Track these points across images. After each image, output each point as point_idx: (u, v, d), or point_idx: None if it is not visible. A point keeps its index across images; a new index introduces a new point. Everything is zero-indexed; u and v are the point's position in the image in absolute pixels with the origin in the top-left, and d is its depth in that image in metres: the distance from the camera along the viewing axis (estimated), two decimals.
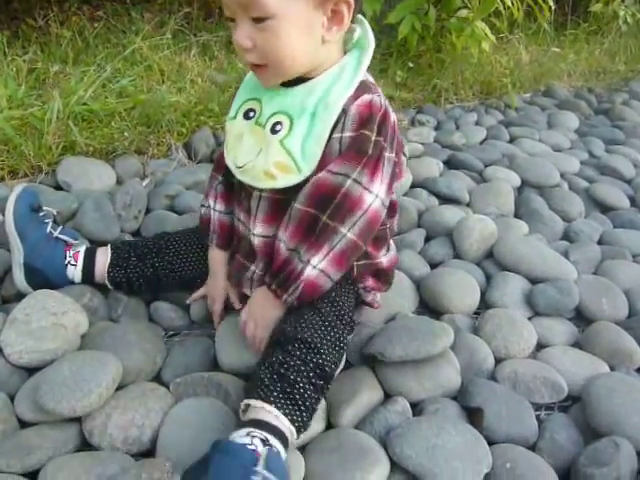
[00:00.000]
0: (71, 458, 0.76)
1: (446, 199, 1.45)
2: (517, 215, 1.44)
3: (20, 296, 1.01)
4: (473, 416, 0.86)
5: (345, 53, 0.85)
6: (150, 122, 1.57)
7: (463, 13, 2.18)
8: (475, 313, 1.11)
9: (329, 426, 0.85)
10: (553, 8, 2.06)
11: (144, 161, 1.47)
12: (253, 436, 0.69)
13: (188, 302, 1.05)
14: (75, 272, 1.03)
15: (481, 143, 1.84)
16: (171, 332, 1.03)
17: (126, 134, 1.49)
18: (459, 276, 1.14)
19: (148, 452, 0.80)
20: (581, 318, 1.11)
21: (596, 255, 1.27)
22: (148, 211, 1.30)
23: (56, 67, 1.85)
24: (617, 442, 0.78)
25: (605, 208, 1.51)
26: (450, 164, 1.66)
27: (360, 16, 0.86)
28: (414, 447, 0.76)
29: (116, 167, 1.44)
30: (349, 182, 0.79)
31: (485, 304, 1.12)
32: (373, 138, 0.79)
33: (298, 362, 0.77)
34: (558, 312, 1.10)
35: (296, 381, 0.75)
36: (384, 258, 0.96)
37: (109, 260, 1.03)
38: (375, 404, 0.88)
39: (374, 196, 0.80)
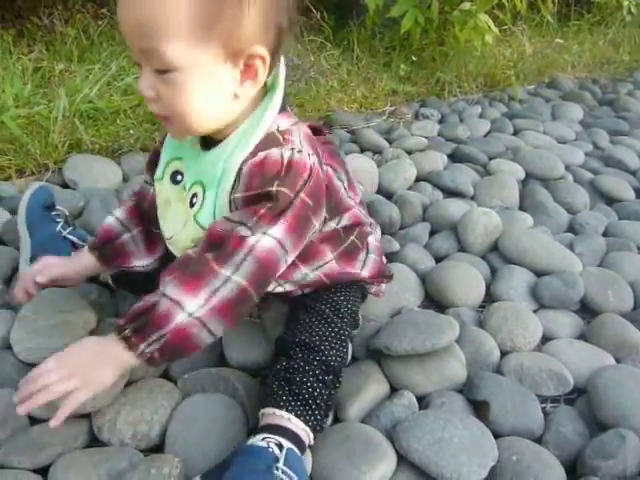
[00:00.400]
0: (80, 454, 0.77)
1: (450, 192, 1.45)
2: (522, 208, 1.43)
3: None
4: (479, 409, 0.86)
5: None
6: (155, 119, 1.58)
7: (466, 6, 2.18)
8: (480, 306, 1.11)
9: (336, 420, 0.85)
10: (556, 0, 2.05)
11: None
12: (269, 441, 0.69)
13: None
14: None
15: (485, 136, 1.83)
16: None
17: (132, 132, 1.50)
18: (464, 269, 1.14)
19: (157, 447, 0.81)
20: (586, 310, 1.11)
21: (601, 247, 1.26)
22: None
23: (61, 65, 1.87)
24: (623, 434, 0.78)
25: (610, 200, 1.50)
26: (454, 157, 1.66)
27: None
28: (420, 441, 0.76)
29: (122, 164, 1.45)
30: (235, 227, 0.70)
31: (490, 297, 1.12)
32: (268, 190, 0.70)
33: (301, 363, 0.78)
34: (563, 304, 1.10)
35: (302, 382, 0.76)
36: (364, 270, 0.91)
37: None
38: (381, 398, 0.89)
39: (260, 234, 0.69)
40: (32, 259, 1.02)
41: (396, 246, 1.22)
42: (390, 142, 1.73)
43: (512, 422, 0.84)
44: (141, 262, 0.93)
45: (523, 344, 0.99)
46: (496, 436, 0.80)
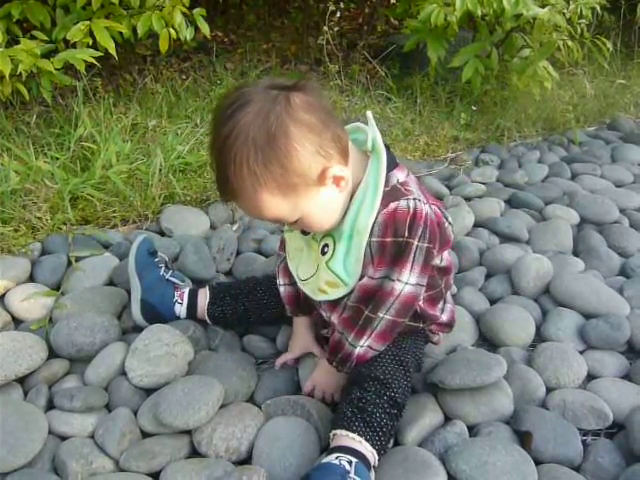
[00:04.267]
0: (185, 462, 0.95)
1: (506, 237, 1.55)
2: (575, 252, 1.52)
3: (136, 328, 1.23)
4: (523, 439, 0.97)
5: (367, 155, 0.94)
6: None
7: (525, 53, 2.29)
8: (530, 346, 1.21)
9: (396, 443, 0.99)
10: (611, 50, 2.12)
11: (233, 207, 1.68)
12: (341, 459, 0.84)
13: (276, 367, 1.16)
14: (181, 309, 1.23)
15: (543, 181, 1.92)
16: (260, 360, 1.20)
17: None
18: (515, 311, 1.25)
19: (245, 460, 0.97)
20: (633, 351, 1.19)
21: None
22: (238, 253, 1.50)
23: (153, 122, 2.13)
24: None
25: None
26: (511, 203, 1.76)
27: (368, 113, 0.96)
28: (468, 463, 0.89)
29: (209, 214, 1.65)
30: (383, 281, 0.92)
31: (540, 337, 1.22)
32: (401, 240, 0.89)
33: (374, 396, 0.93)
34: (609, 345, 1.18)
35: (373, 412, 0.91)
36: (443, 315, 1.10)
37: (208, 299, 1.22)
38: (436, 425, 1.01)
39: (403, 284, 0.92)
40: (142, 300, 1.22)
41: (454, 289, 1.35)
42: (450, 189, 1.86)
43: (552, 451, 0.95)
44: None
45: (568, 382, 1.09)
46: (537, 463, 0.91)
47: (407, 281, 0.92)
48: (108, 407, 1.06)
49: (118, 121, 2.00)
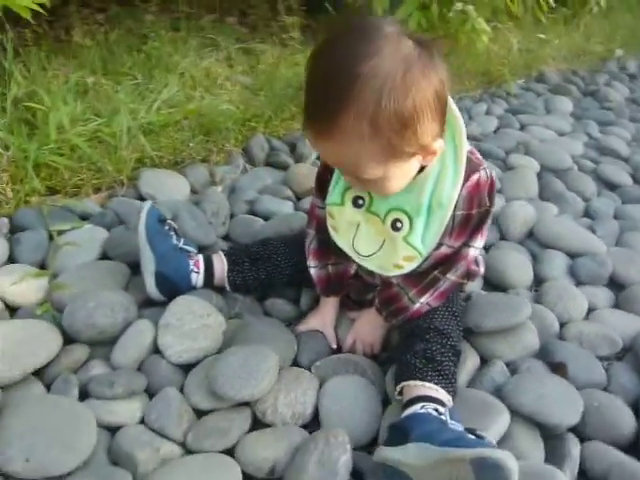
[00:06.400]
0: (258, 434, 0.93)
1: None
2: (542, 198, 1.66)
3: (148, 302, 1.16)
4: (557, 370, 1.08)
5: None
6: (206, 130, 1.70)
7: (459, 7, 2.37)
8: (530, 287, 1.33)
9: None
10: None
11: (210, 169, 1.61)
12: (427, 408, 0.87)
13: (296, 333, 1.14)
14: (198, 278, 1.17)
15: (495, 132, 2.05)
16: (286, 323, 1.20)
17: (191, 144, 1.62)
18: (514, 256, 1.36)
19: (310, 424, 0.98)
20: (614, 284, 1.35)
21: (615, 229, 1.51)
22: (231, 216, 1.45)
23: (92, 78, 1.94)
24: None
25: (612, 186, 1.75)
26: None
27: None
28: (527, 397, 0.97)
29: (188, 176, 1.57)
30: (461, 248, 0.98)
31: (537, 278, 1.34)
32: (483, 210, 0.94)
33: (438, 346, 0.97)
34: (596, 281, 1.33)
35: (442, 361, 0.95)
36: (481, 267, 1.20)
37: (227, 266, 1.18)
38: (476, 368, 1.09)
39: (475, 249, 0.99)
40: (157, 272, 1.14)
41: None
42: None
43: (584, 378, 1.06)
44: (354, 265, 1.13)
45: (576, 315, 1.22)
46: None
47: (479, 246, 0.99)
48: (147, 390, 1.01)
49: (54, 78, 1.80)
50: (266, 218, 1.44)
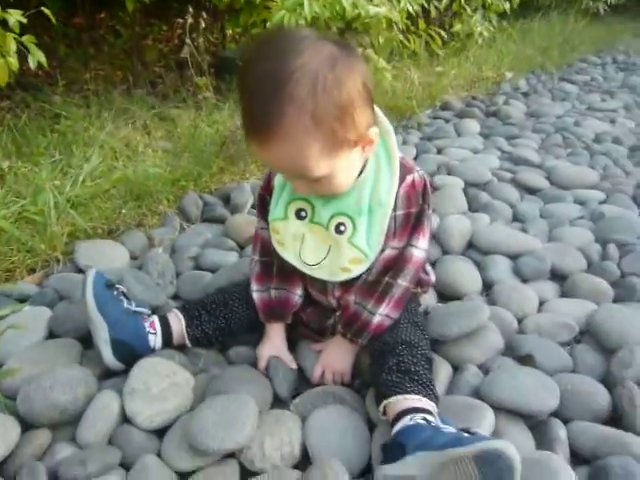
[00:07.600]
0: None
1: None
2: (471, 210, 1.74)
3: (107, 373, 1.11)
4: (526, 361, 1.11)
5: None
6: (136, 196, 1.68)
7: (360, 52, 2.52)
8: (480, 291, 1.38)
9: None
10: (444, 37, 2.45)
11: (147, 233, 1.58)
12: (416, 419, 0.87)
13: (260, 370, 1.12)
14: (156, 339, 1.13)
15: (415, 159, 2.15)
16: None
17: (123, 211, 1.59)
18: (460, 265, 1.41)
19: (302, 463, 0.95)
20: (555, 276, 1.42)
21: (545, 227, 1.61)
22: (177, 275, 1.42)
23: (7, 162, 1.88)
24: (632, 349, 1.07)
25: (532, 190, 1.87)
26: None
27: None
28: (505, 391, 0.99)
29: (125, 243, 1.53)
30: (405, 249, 1.01)
31: (485, 283, 1.39)
32: (420, 209, 0.99)
33: (410, 357, 0.97)
34: (539, 276, 1.40)
35: (417, 371, 0.95)
36: (431, 276, 1.24)
37: (184, 321, 1.15)
38: (450, 375, 1.11)
39: (419, 250, 1.02)
40: (112, 339, 1.08)
41: None
42: None
43: (552, 364, 1.10)
44: (299, 292, 1.15)
45: (530, 310, 1.27)
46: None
47: (422, 247, 1.02)
48: (122, 464, 0.94)
49: None
50: (213, 271, 1.42)
